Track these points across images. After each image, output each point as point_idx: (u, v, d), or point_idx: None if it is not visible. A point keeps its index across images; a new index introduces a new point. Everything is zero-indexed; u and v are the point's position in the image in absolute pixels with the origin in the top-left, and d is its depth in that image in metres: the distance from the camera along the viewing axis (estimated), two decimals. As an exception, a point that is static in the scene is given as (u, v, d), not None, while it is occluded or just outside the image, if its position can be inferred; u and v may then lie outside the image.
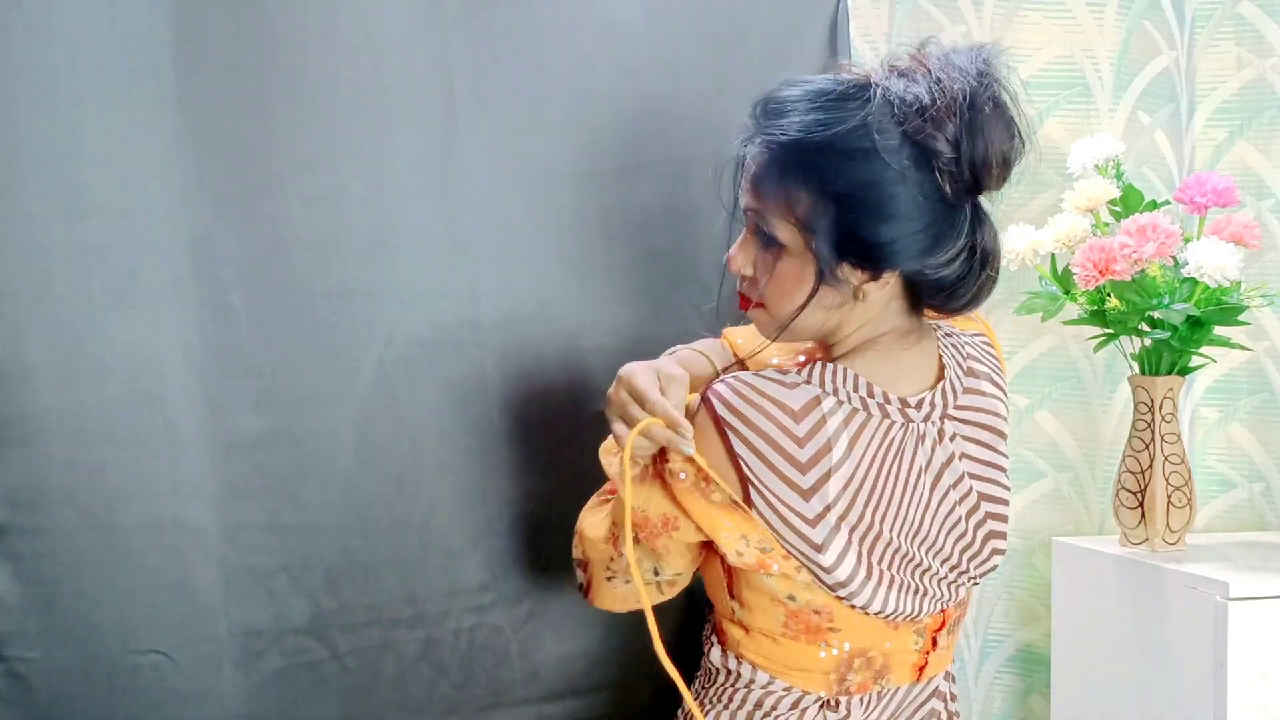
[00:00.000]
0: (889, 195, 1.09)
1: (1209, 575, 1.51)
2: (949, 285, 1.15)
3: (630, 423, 1.12)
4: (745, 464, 1.11)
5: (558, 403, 1.48)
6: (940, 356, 1.21)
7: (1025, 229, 1.67)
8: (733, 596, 1.20)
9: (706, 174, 1.51)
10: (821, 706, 1.19)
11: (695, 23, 1.55)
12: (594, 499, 1.29)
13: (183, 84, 1.33)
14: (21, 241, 1.27)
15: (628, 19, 1.51)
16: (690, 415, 1.13)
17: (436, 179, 1.43)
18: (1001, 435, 1.23)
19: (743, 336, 1.35)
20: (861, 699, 1.20)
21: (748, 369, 1.28)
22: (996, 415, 1.23)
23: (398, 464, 1.42)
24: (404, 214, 1.41)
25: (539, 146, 1.47)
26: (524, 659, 1.49)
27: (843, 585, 1.13)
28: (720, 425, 1.11)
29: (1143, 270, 1.57)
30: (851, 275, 1.13)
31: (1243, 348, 1.71)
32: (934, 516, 1.17)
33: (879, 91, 1.10)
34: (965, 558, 1.20)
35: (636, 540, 1.16)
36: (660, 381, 1.13)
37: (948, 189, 1.10)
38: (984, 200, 1.16)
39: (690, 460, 1.11)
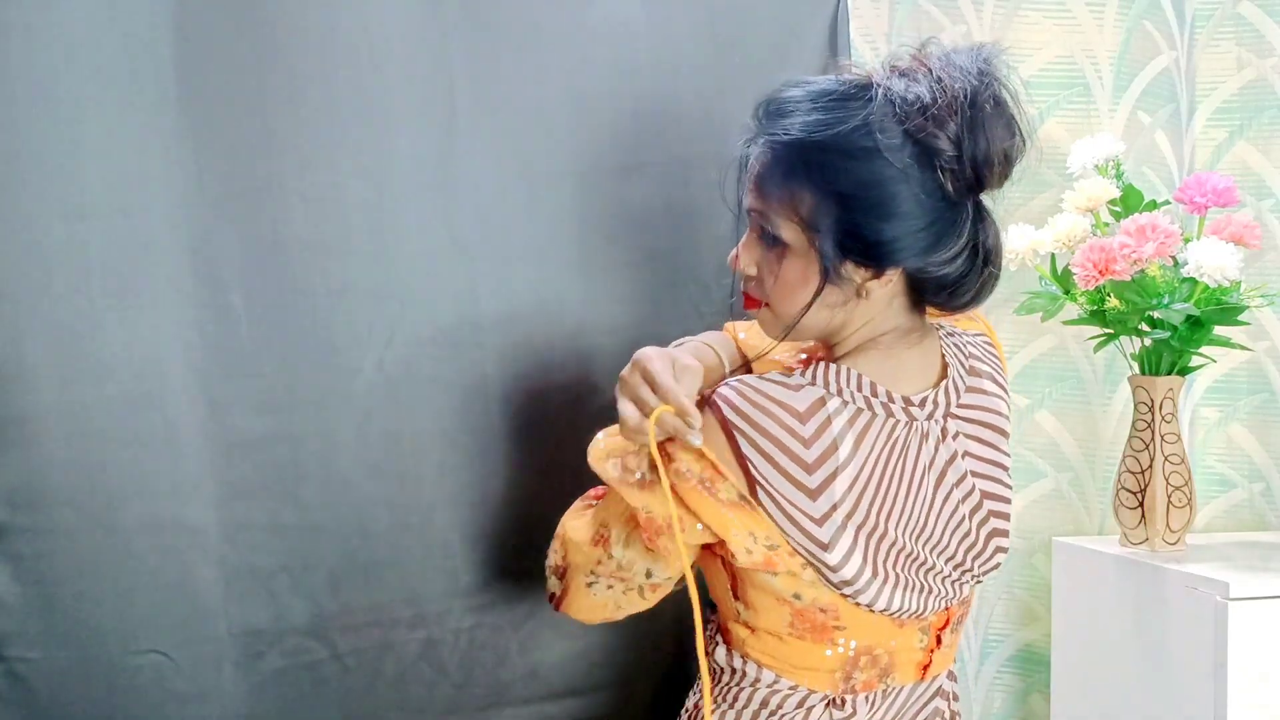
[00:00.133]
0: (891, 194, 1.10)
1: (1209, 575, 1.51)
2: (951, 283, 1.15)
3: (642, 406, 1.12)
4: (752, 465, 1.11)
5: (557, 402, 1.48)
6: (943, 355, 1.21)
7: (1025, 229, 1.67)
8: (737, 598, 1.20)
9: (706, 174, 1.52)
10: (827, 705, 1.19)
11: (695, 23, 1.55)
12: (578, 504, 1.28)
13: (183, 84, 1.33)
14: (21, 241, 1.27)
15: (628, 19, 1.51)
16: None
17: (436, 179, 1.43)
18: (1003, 434, 1.23)
19: (745, 330, 1.35)
20: (867, 697, 1.20)
21: (752, 370, 1.28)
22: (999, 414, 1.23)
23: (398, 464, 1.42)
24: (404, 214, 1.41)
25: (539, 146, 1.47)
26: (524, 659, 1.49)
27: (849, 584, 1.13)
28: (727, 427, 1.12)
29: (1143, 270, 1.57)
30: (855, 274, 1.13)
31: (1243, 348, 1.71)
32: (938, 515, 1.17)
33: (880, 91, 1.10)
34: (969, 556, 1.20)
35: (640, 539, 1.16)
36: (674, 370, 1.13)
37: (949, 187, 1.10)
38: (985, 199, 1.16)
39: (700, 455, 1.11)
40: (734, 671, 1.22)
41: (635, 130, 1.52)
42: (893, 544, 1.14)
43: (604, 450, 1.18)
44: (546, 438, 1.47)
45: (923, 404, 1.17)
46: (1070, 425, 1.83)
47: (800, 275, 1.14)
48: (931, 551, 1.17)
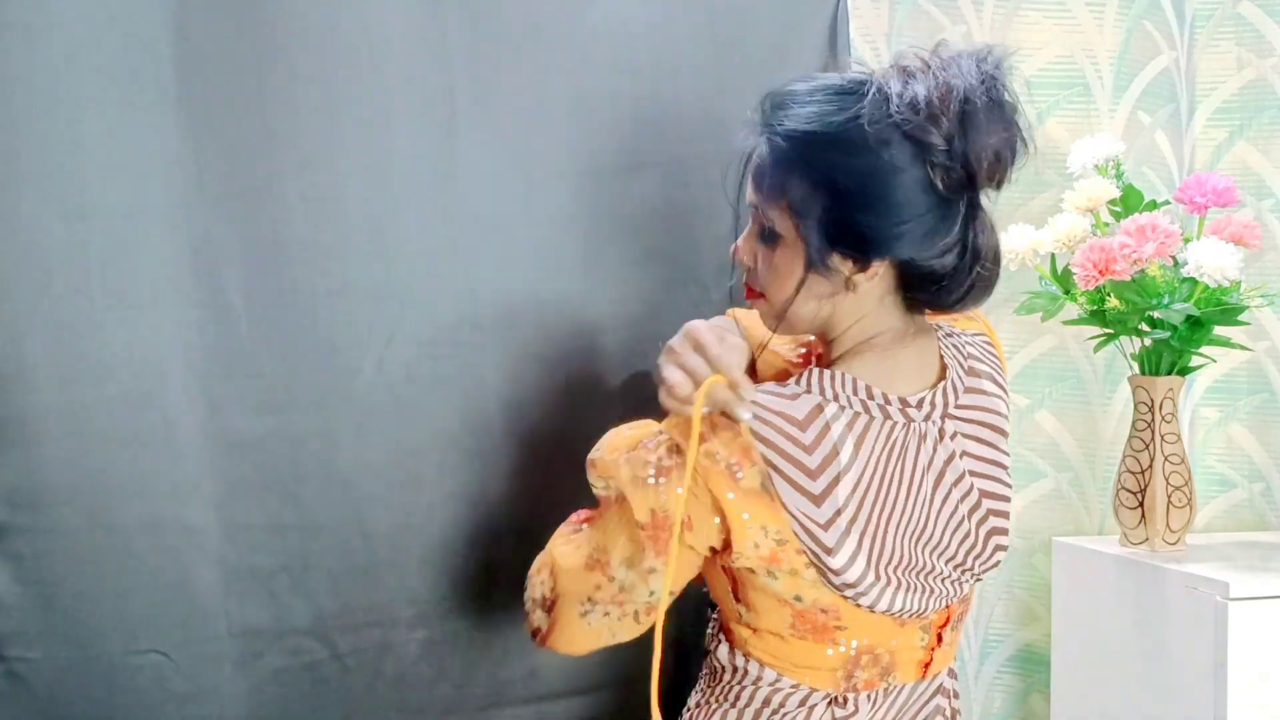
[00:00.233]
0: (879, 185, 1.10)
1: (1209, 575, 1.51)
2: (939, 279, 1.14)
3: (691, 374, 1.12)
4: (767, 459, 1.12)
5: (557, 402, 1.48)
6: (941, 356, 1.21)
7: (1025, 229, 1.67)
8: (738, 600, 1.20)
9: (707, 174, 1.52)
10: (829, 704, 1.20)
11: (695, 23, 1.55)
12: (563, 530, 1.26)
13: (183, 84, 1.33)
14: (21, 241, 1.28)
15: (628, 19, 1.51)
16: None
17: (436, 179, 1.43)
18: (1002, 433, 1.23)
19: (747, 318, 1.36)
20: (869, 696, 1.20)
21: (756, 363, 1.28)
22: (998, 414, 1.23)
23: (398, 464, 1.42)
24: (404, 214, 1.41)
25: (539, 146, 1.47)
26: (524, 659, 1.49)
27: (851, 586, 1.13)
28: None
29: (1142, 270, 1.57)
30: (842, 265, 1.13)
31: (1243, 348, 1.71)
32: (937, 515, 1.18)
33: (876, 86, 1.11)
34: (969, 555, 1.20)
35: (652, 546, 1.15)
36: (723, 344, 1.14)
37: (939, 183, 1.10)
38: (983, 198, 1.16)
39: (734, 437, 1.11)
40: (736, 670, 1.22)
41: (635, 130, 1.52)
42: (893, 547, 1.15)
43: (617, 445, 1.17)
44: (546, 437, 1.47)
45: (920, 405, 1.17)
46: (1070, 425, 1.83)
47: (789, 265, 1.15)
48: (931, 554, 1.17)
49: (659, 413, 1.19)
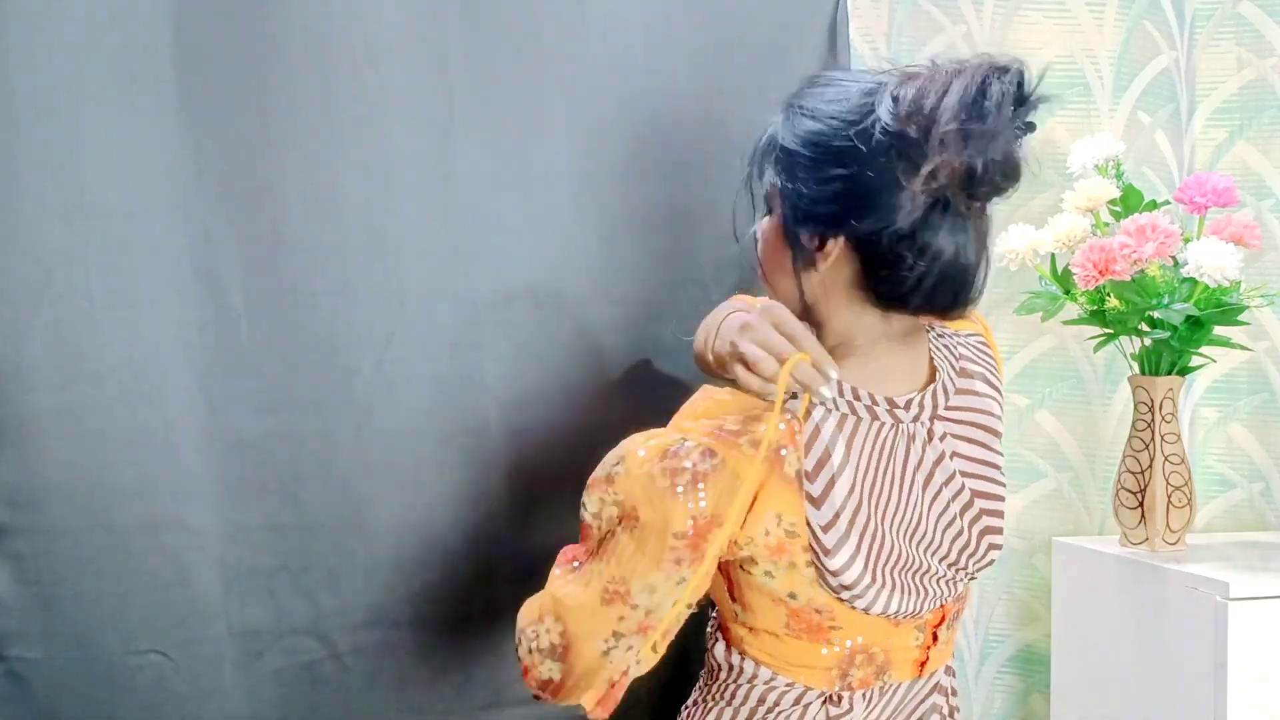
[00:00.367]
0: (839, 161, 1.11)
1: (1209, 575, 1.51)
2: (890, 267, 1.12)
3: (773, 351, 1.12)
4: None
5: (556, 402, 1.48)
6: (931, 358, 1.21)
7: (1025, 229, 1.67)
8: (735, 599, 1.20)
9: (707, 174, 1.52)
10: (824, 702, 1.20)
11: (695, 23, 1.55)
12: (560, 571, 1.18)
13: (183, 84, 1.33)
14: (21, 241, 1.28)
15: (627, 19, 1.51)
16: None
17: (436, 179, 1.43)
18: (995, 434, 1.23)
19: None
20: (864, 694, 1.20)
21: None
22: (990, 415, 1.23)
23: (397, 464, 1.42)
24: (403, 214, 1.41)
25: (538, 147, 1.47)
26: (524, 658, 1.49)
27: (847, 588, 1.13)
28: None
29: (1142, 270, 1.57)
30: (809, 243, 1.14)
31: (1243, 348, 1.71)
32: (929, 514, 1.18)
33: (878, 77, 1.12)
34: (963, 554, 1.20)
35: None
36: None
37: (901, 176, 1.09)
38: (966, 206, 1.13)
39: (790, 419, 1.11)
40: (732, 668, 1.22)
41: (634, 130, 1.51)
42: (890, 547, 1.15)
43: (643, 460, 1.11)
44: (545, 437, 1.47)
45: (908, 406, 1.17)
46: (1070, 425, 1.83)
47: (773, 239, 1.18)
48: (925, 552, 1.17)
49: (659, 413, 1.18)
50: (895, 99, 1.08)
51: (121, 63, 1.31)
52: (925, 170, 1.06)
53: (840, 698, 1.20)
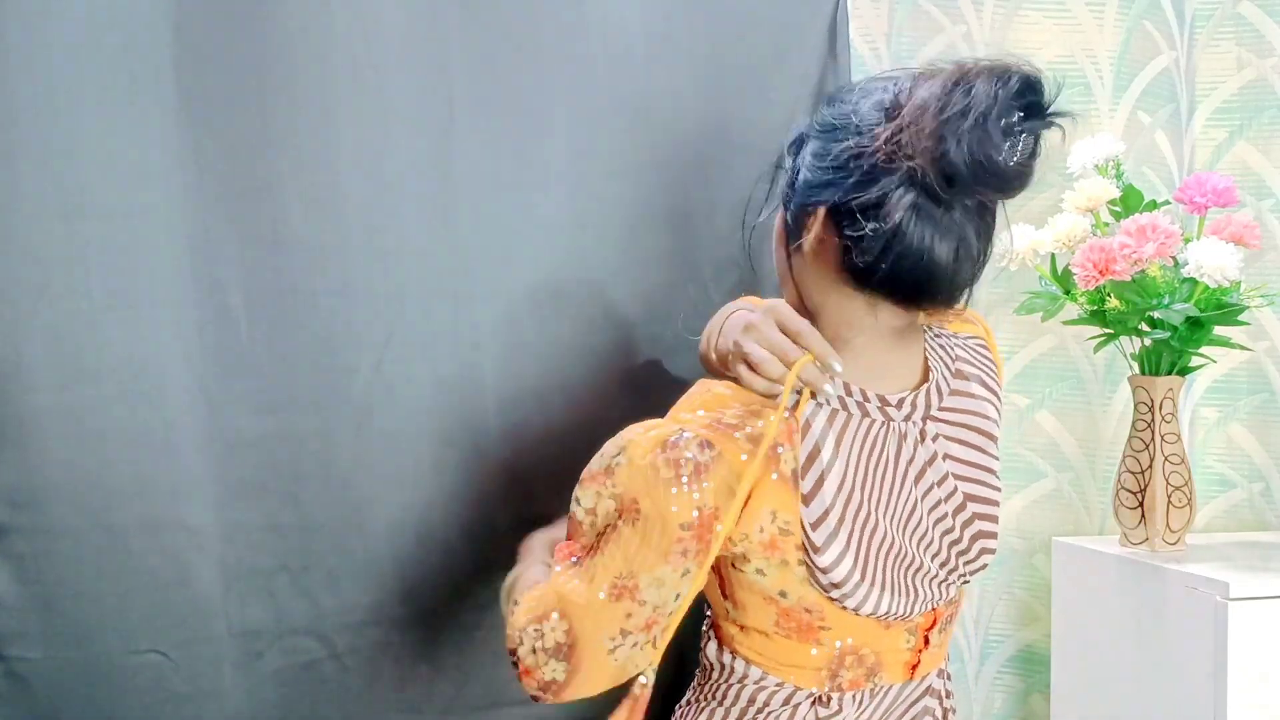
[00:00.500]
0: (837, 137, 1.12)
1: (1209, 575, 1.51)
2: (852, 239, 1.11)
3: (775, 349, 1.12)
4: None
5: (555, 402, 1.48)
6: (926, 358, 1.21)
7: (1025, 229, 1.67)
8: (726, 597, 1.20)
9: (706, 174, 1.52)
10: (813, 703, 1.19)
11: (695, 23, 1.55)
12: (562, 567, 1.15)
13: (183, 84, 1.33)
14: (21, 241, 1.28)
15: (627, 19, 1.52)
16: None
17: (435, 179, 1.43)
18: (990, 437, 1.22)
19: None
20: (854, 696, 1.20)
21: None
22: (985, 417, 1.22)
23: (396, 463, 1.42)
24: (402, 214, 1.41)
25: (537, 147, 1.47)
26: (523, 659, 1.49)
27: (837, 586, 1.13)
28: None
29: (1143, 270, 1.57)
30: (798, 218, 1.16)
31: (1243, 348, 1.71)
32: (922, 507, 1.18)
33: (900, 72, 1.13)
34: (955, 554, 1.20)
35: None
36: None
37: (880, 158, 1.09)
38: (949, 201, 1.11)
39: (788, 417, 1.11)
40: (723, 668, 1.22)
41: (634, 131, 1.52)
42: (884, 539, 1.14)
43: (645, 449, 1.11)
44: (544, 437, 1.47)
45: (900, 405, 1.17)
46: (1070, 425, 1.83)
47: (778, 225, 1.21)
48: (919, 547, 1.17)
49: (658, 413, 1.18)
50: (901, 86, 1.10)
51: (121, 63, 1.31)
52: (890, 129, 1.07)
53: (830, 699, 1.19)
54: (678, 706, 1.28)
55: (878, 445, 1.15)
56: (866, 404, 1.15)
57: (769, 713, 1.19)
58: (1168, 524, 1.65)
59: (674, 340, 1.52)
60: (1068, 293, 1.65)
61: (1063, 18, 1.78)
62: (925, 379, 1.20)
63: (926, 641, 1.23)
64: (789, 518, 1.12)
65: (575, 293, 1.49)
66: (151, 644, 1.35)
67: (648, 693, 1.17)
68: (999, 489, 1.23)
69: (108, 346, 1.31)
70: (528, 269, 1.47)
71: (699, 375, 1.44)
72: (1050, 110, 1.12)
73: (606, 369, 1.47)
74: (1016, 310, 1.71)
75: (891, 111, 1.09)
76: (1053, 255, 1.69)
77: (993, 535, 1.22)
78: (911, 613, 1.18)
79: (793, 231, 1.17)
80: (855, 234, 1.10)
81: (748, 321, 1.16)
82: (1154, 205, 1.66)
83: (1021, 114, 1.09)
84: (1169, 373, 1.66)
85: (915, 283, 1.12)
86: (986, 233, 1.14)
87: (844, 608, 1.14)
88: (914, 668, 1.23)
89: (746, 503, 1.12)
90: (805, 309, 1.20)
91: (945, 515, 1.19)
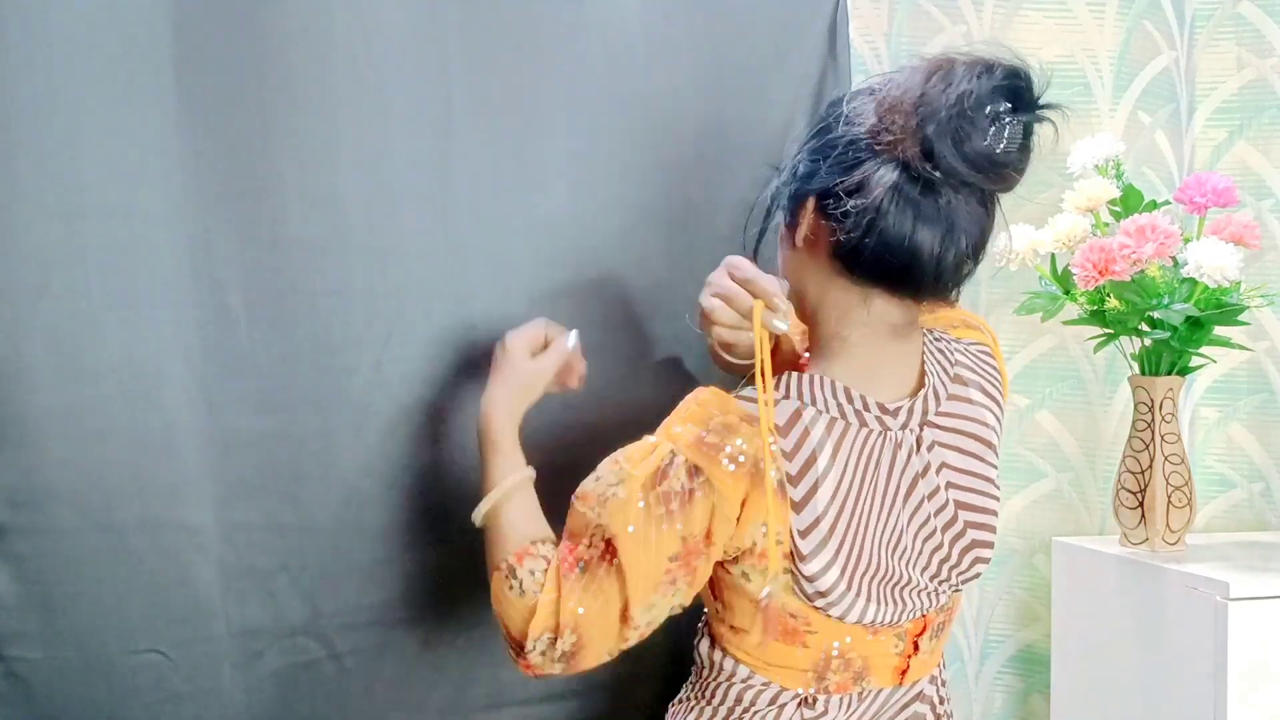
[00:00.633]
0: (825, 131, 1.15)
1: (1209, 575, 1.51)
2: (838, 221, 1.12)
3: (729, 300, 1.19)
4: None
5: (554, 402, 1.48)
6: (923, 362, 1.21)
7: (1025, 229, 1.67)
8: (716, 598, 1.21)
9: (706, 174, 1.52)
10: (800, 704, 1.20)
11: (695, 22, 1.55)
12: (569, 575, 1.16)
13: (182, 84, 1.33)
14: (20, 241, 1.28)
15: (626, 19, 1.51)
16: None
17: (434, 179, 1.43)
18: (988, 445, 1.22)
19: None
20: (841, 699, 1.20)
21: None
22: (984, 425, 1.22)
23: (395, 463, 1.42)
24: (402, 214, 1.41)
25: (536, 147, 1.47)
26: (523, 659, 1.49)
27: (822, 595, 1.13)
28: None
29: (1142, 270, 1.57)
30: (792, 212, 1.18)
31: (1243, 348, 1.71)
32: (909, 529, 1.17)
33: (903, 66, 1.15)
34: (944, 567, 1.20)
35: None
36: None
37: (867, 137, 1.11)
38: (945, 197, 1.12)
39: (770, 431, 1.12)
40: (713, 666, 1.23)
41: (633, 131, 1.51)
42: (869, 559, 1.14)
43: (646, 479, 1.12)
44: (543, 438, 1.47)
45: (896, 412, 1.17)
46: (1070, 425, 1.83)
47: (781, 226, 1.23)
48: (905, 565, 1.17)
49: (658, 413, 1.18)
50: (890, 78, 1.12)
51: (121, 63, 1.31)
52: (874, 115, 1.10)
53: (816, 700, 1.20)
54: (671, 704, 1.28)
55: (874, 457, 1.15)
56: (865, 413, 1.15)
57: (755, 712, 1.20)
58: (1168, 524, 1.65)
59: (674, 340, 1.51)
60: (1068, 293, 1.65)
61: (1063, 17, 1.78)
62: (922, 384, 1.20)
63: (916, 647, 1.22)
64: (781, 529, 1.12)
65: (575, 292, 1.49)
66: (151, 644, 1.35)
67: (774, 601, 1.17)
68: (997, 497, 1.22)
69: (108, 346, 1.31)
70: (528, 269, 1.47)
71: (698, 375, 1.44)
72: (1040, 103, 1.11)
73: (606, 369, 1.47)
74: (1016, 310, 1.71)
75: (879, 101, 1.10)
76: (1053, 255, 1.69)
77: (988, 545, 1.22)
78: (899, 621, 1.18)
79: (789, 228, 1.18)
80: (839, 212, 1.11)
81: (709, 278, 1.21)
82: (1154, 205, 1.66)
83: (1009, 104, 1.09)
84: (1169, 373, 1.65)
85: (901, 267, 1.12)
86: (979, 225, 1.13)
87: (829, 616, 1.15)
88: (903, 673, 1.22)
89: (739, 517, 1.12)
90: (806, 311, 1.20)
91: (934, 532, 1.19)
